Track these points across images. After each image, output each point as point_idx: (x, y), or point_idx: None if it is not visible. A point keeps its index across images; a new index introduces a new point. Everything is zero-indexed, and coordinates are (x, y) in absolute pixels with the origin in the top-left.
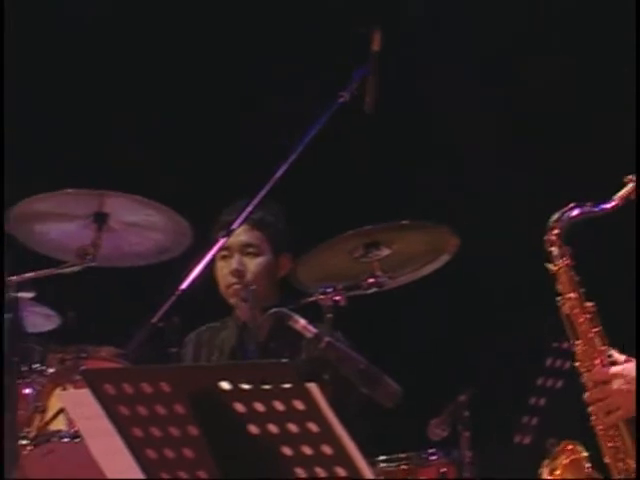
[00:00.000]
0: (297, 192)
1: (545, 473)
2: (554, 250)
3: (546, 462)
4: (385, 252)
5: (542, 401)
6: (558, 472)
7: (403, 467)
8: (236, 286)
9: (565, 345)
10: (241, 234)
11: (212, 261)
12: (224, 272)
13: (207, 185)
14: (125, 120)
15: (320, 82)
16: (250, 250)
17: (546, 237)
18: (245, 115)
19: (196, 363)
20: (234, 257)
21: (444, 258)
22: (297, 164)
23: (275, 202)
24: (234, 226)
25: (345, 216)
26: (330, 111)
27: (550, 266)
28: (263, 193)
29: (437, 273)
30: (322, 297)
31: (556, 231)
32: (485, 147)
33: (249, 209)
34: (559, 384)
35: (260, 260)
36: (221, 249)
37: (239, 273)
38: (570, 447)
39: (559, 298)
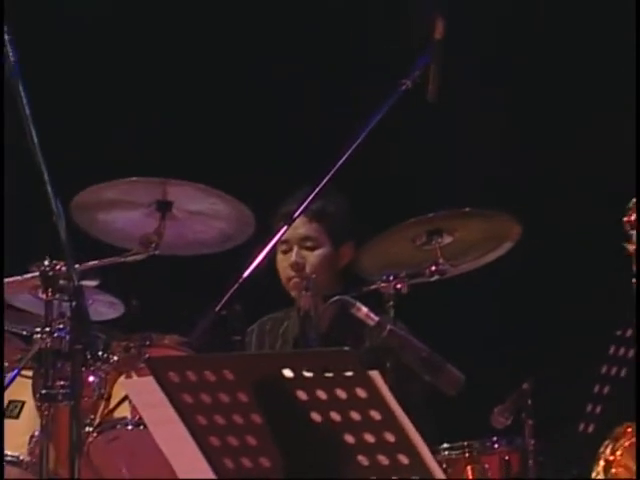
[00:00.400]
0: (360, 180)
1: (606, 453)
2: (634, 232)
3: (607, 442)
4: (447, 240)
5: (606, 389)
6: (619, 453)
7: (466, 455)
8: (295, 279)
9: (629, 333)
10: (299, 227)
11: (274, 251)
12: (284, 265)
13: (270, 174)
14: (190, 108)
15: (383, 69)
16: (308, 243)
17: (626, 218)
18: (309, 104)
19: (259, 351)
20: (293, 250)
21: (506, 245)
22: (359, 152)
23: (336, 191)
24: (295, 215)
25: (408, 204)
26: (392, 99)
27: (628, 246)
28: (323, 182)
29: (500, 260)
30: (384, 285)
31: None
32: (549, 132)
33: (309, 198)
34: (623, 372)
35: (319, 252)
36: (280, 242)
37: (298, 266)
38: (631, 429)
39: (634, 280)
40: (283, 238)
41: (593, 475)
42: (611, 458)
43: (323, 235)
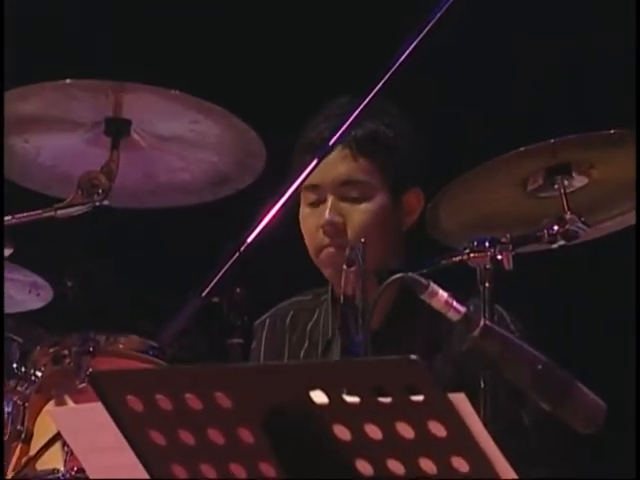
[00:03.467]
0: (432, 90)
1: None
2: None
3: None
4: (579, 182)
5: None
6: None
7: None
8: (329, 249)
9: None
10: (337, 164)
11: (296, 202)
12: (311, 226)
13: (288, 79)
14: None
15: None
16: (352, 192)
17: None
18: None
19: (272, 361)
20: (327, 202)
21: None
22: (428, 46)
23: (394, 107)
24: (331, 142)
25: (513, 125)
26: None
27: None
28: (374, 91)
29: None
30: (475, 256)
31: None
32: None
33: (352, 117)
34: None
35: (369, 206)
36: (306, 188)
37: (334, 228)
38: None
39: None
40: (311, 181)
41: None
42: None
43: (377, 177)
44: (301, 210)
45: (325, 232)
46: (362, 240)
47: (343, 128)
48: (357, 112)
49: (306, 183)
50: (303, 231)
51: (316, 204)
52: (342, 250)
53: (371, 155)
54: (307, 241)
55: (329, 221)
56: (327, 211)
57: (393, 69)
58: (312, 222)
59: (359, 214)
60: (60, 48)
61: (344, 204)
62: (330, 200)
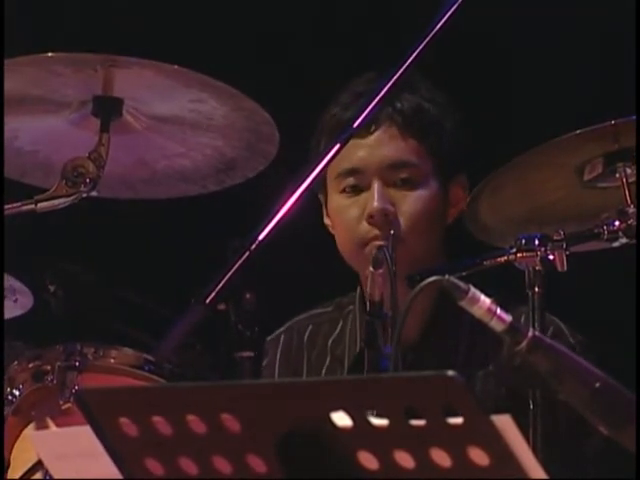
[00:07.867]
0: (472, 64)
1: None
2: None
3: None
4: None
5: None
6: None
7: None
8: (377, 242)
9: None
10: (383, 145)
11: (319, 191)
12: (352, 217)
13: (302, 53)
14: None
15: None
16: (404, 174)
17: None
18: None
19: (287, 379)
20: (373, 189)
21: None
22: (468, 14)
23: (428, 83)
24: (359, 121)
25: (568, 104)
26: None
27: None
28: (408, 63)
29: None
30: (523, 255)
31: None
32: None
33: (383, 91)
34: None
35: (421, 194)
36: (343, 174)
37: (385, 218)
38: None
39: None
40: (350, 165)
41: None
42: None
43: (427, 161)
44: (333, 200)
45: (373, 222)
46: (392, 232)
47: (372, 105)
48: (389, 87)
49: (343, 168)
50: (339, 224)
51: (356, 192)
52: (385, 238)
53: (420, 135)
54: (345, 235)
55: (380, 209)
56: (375, 198)
57: (428, 38)
58: (353, 212)
59: (411, 202)
60: (40, 17)
61: (393, 190)
62: (376, 186)
